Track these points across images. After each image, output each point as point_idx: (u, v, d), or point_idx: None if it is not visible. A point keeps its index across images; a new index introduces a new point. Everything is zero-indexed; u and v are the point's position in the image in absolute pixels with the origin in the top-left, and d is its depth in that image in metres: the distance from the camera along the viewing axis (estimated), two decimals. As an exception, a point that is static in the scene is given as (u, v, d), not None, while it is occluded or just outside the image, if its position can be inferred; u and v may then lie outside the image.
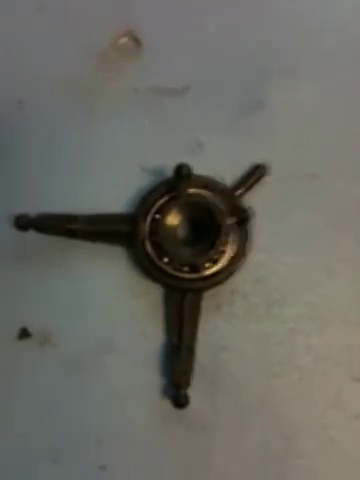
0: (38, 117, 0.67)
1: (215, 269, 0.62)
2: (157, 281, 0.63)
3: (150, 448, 0.62)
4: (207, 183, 0.63)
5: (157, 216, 0.62)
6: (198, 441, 0.62)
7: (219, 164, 0.65)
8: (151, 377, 0.63)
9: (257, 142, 0.66)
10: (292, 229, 0.65)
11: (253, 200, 0.65)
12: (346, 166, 0.66)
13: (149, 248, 0.62)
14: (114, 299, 0.64)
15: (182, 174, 0.60)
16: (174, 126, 0.67)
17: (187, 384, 0.60)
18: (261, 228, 0.64)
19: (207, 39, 0.69)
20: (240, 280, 0.64)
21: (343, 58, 0.69)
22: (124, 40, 0.68)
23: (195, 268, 0.61)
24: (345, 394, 0.63)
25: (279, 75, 0.68)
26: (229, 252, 0.62)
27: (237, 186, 0.64)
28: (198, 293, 0.63)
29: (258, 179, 0.65)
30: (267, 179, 0.66)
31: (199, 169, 0.62)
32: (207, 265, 0.62)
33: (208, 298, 0.63)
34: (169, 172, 0.62)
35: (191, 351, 0.61)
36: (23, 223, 0.60)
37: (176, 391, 0.60)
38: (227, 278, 0.63)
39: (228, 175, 0.65)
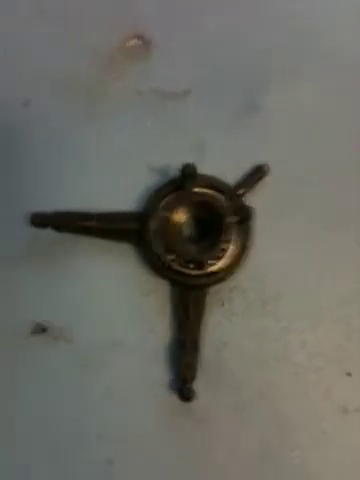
0: (46, 118, 0.67)
1: (218, 266, 0.63)
2: (164, 277, 0.64)
3: (157, 441, 0.63)
4: (211, 182, 0.65)
5: (164, 214, 0.63)
6: (202, 434, 0.63)
7: (221, 164, 0.66)
8: (159, 372, 0.64)
9: (258, 143, 0.68)
10: (291, 228, 0.66)
11: (254, 200, 0.66)
12: (346, 166, 0.68)
13: (157, 245, 0.63)
14: (123, 296, 0.65)
15: (188, 173, 0.61)
16: (178, 127, 0.68)
17: (193, 378, 0.61)
18: (261, 227, 0.65)
19: (209, 41, 0.70)
20: (241, 277, 0.65)
21: (343, 59, 0.70)
22: (133, 42, 0.69)
23: (200, 265, 0.62)
24: (337, 388, 0.64)
25: (279, 76, 0.69)
26: (231, 250, 0.64)
27: (239, 186, 0.66)
28: (202, 289, 0.64)
29: (259, 179, 0.66)
30: (268, 179, 0.67)
31: (202, 169, 0.63)
32: (211, 262, 0.63)
33: (211, 295, 0.64)
34: (174, 172, 0.64)
35: (196, 346, 0.62)
36: (39, 221, 0.61)
37: (182, 385, 0.61)
38: (229, 275, 0.64)
39: (230, 175, 0.66)
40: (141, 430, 0.63)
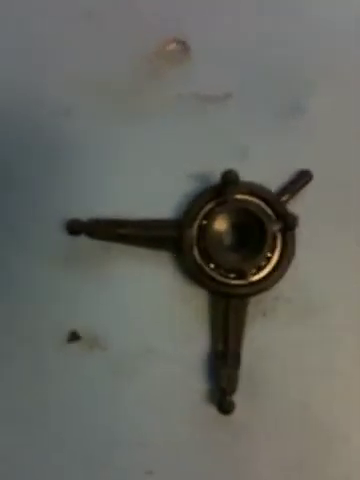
0: (85, 124, 0.67)
1: (261, 275, 0.62)
2: (203, 287, 0.63)
3: (193, 452, 0.62)
4: (253, 189, 0.63)
5: (204, 222, 0.62)
6: (241, 447, 0.62)
7: (264, 170, 0.65)
8: (196, 382, 0.63)
9: (302, 147, 0.67)
10: (336, 236, 0.65)
11: (298, 206, 0.64)
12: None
13: (196, 254, 0.62)
14: (160, 304, 0.64)
15: (229, 180, 0.60)
16: (219, 132, 0.67)
17: (233, 390, 0.60)
18: (305, 235, 0.64)
19: (250, 44, 0.69)
20: (284, 286, 0.64)
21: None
22: (172, 46, 0.68)
23: (241, 274, 0.61)
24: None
25: (323, 78, 0.68)
26: (275, 258, 0.62)
27: (283, 192, 0.64)
28: (243, 299, 0.63)
29: (303, 185, 0.65)
30: (312, 185, 0.65)
31: (244, 175, 0.62)
32: (253, 271, 0.62)
33: (253, 304, 0.63)
34: (215, 178, 0.63)
35: (237, 357, 0.61)
36: (75, 228, 0.61)
37: (221, 397, 0.60)
38: (272, 284, 0.63)
39: (273, 181, 0.65)
40: (176, 440, 0.62)
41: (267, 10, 0.70)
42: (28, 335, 0.64)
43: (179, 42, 0.68)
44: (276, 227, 0.62)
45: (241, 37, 0.69)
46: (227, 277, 0.62)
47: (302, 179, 0.65)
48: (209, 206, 0.63)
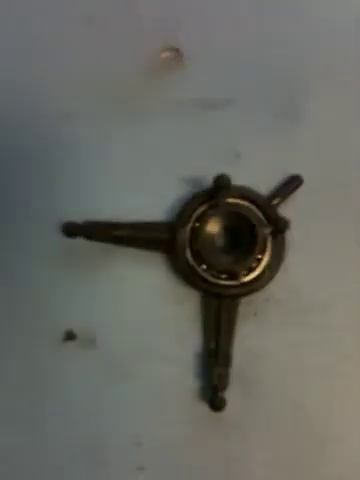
0: (83, 128, 0.68)
1: (251, 276, 0.63)
2: (195, 287, 0.64)
3: (187, 449, 0.63)
4: (244, 193, 0.65)
5: (196, 224, 0.64)
6: (233, 444, 0.64)
7: (256, 174, 0.66)
8: (189, 380, 0.64)
9: (293, 153, 0.68)
10: (325, 239, 0.66)
11: (288, 210, 0.66)
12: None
13: (188, 255, 0.63)
14: (154, 304, 0.65)
15: (221, 184, 0.62)
16: (212, 137, 0.68)
17: (224, 387, 0.62)
18: (295, 237, 0.65)
19: (249, 45, 0.70)
20: (275, 288, 0.65)
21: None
22: (167, 54, 0.69)
23: (233, 275, 0.63)
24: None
25: (322, 80, 0.69)
26: (265, 260, 0.64)
27: (273, 196, 0.66)
28: (234, 299, 0.64)
29: (294, 189, 0.66)
30: (302, 189, 0.66)
31: (236, 179, 0.63)
32: (244, 272, 0.63)
33: (244, 305, 0.65)
34: (208, 182, 0.64)
35: (227, 355, 0.63)
36: (71, 230, 0.62)
37: (213, 394, 0.61)
38: (263, 285, 0.64)
39: (265, 185, 0.66)
40: (171, 437, 0.64)
41: (267, 10, 0.71)
42: (24, 334, 0.65)
43: (173, 50, 0.69)
44: (267, 230, 0.63)
45: (240, 37, 0.70)
46: (219, 278, 0.63)
47: (293, 183, 0.66)
48: (201, 209, 0.64)
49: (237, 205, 0.64)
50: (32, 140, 0.68)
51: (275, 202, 0.65)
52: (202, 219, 0.64)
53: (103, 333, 0.65)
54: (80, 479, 0.64)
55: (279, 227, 0.63)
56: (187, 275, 0.64)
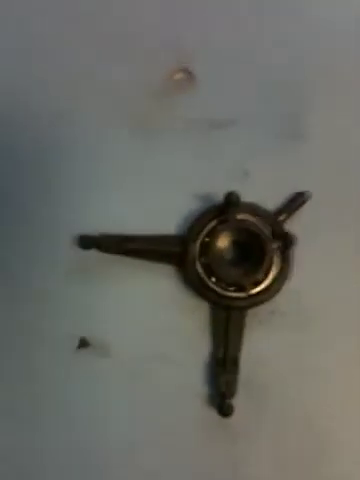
0: (97, 146, 0.70)
1: (259, 289, 0.66)
2: (205, 299, 0.67)
3: (196, 454, 0.65)
4: (253, 209, 0.67)
5: (207, 239, 0.66)
6: (241, 449, 0.65)
7: (263, 192, 0.68)
8: (198, 387, 0.66)
9: (299, 170, 0.69)
10: (331, 254, 0.68)
11: (294, 225, 0.68)
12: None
13: (199, 268, 0.66)
14: (165, 314, 0.67)
15: (231, 201, 0.64)
16: (222, 155, 0.69)
17: (232, 394, 0.64)
18: (300, 252, 0.67)
19: (253, 72, 0.71)
20: (280, 300, 0.67)
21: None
22: (179, 75, 0.70)
23: (241, 288, 0.65)
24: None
25: (322, 106, 0.70)
26: (272, 274, 0.66)
27: (280, 212, 0.68)
28: (242, 311, 0.66)
29: (300, 206, 0.68)
30: (308, 206, 0.68)
31: (245, 196, 0.66)
32: (251, 285, 0.65)
33: (250, 315, 0.67)
34: (218, 198, 0.66)
35: (235, 363, 0.65)
36: (87, 243, 0.64)
37: (221, 400, 0.64)
38: (270, 298, 0.66)
39: (272, 202, 0.68)
40: (181, 442, 0.66)
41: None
42: (41, 342, 0.67)
43: (184, 71, 0.70)
44: (275, 245, 0.66)
45: (243, 67, 0.71)
46: (227, 290, 0.66)
47: (298, 200, 0.68)
48: (212, 224, 0.66)
49: (246, 221, 0.66)
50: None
51: (281, 218, 0.67)
52: (212, 234, 0.66)
53: (116, 341, 0.67)
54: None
55: (286, 242, 0.65)
56: (197, 287, 0.66)
